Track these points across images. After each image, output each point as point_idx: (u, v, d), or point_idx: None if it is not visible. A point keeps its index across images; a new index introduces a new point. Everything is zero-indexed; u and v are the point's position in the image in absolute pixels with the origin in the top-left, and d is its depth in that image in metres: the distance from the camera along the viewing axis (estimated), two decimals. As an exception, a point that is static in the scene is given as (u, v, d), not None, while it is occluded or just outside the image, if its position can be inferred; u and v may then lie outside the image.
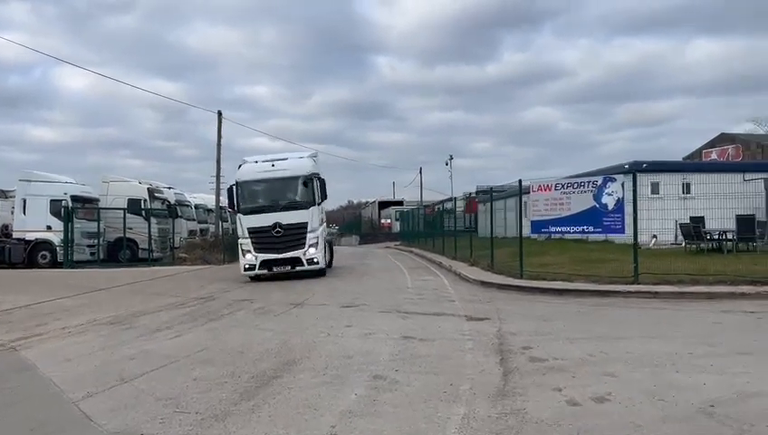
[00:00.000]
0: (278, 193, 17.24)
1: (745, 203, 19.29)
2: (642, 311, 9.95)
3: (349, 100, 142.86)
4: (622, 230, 12.54)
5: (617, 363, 6.35)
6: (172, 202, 29.15)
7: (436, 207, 34.75)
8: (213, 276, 19.76)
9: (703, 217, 17.77)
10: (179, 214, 29.58)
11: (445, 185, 61.38)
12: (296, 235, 16.61)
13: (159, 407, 5.40)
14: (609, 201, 12.51)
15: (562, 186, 13.48)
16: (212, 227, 33.19)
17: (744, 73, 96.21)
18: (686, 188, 22.28)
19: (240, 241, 17.07)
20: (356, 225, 69.12)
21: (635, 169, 16.25)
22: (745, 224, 16.82)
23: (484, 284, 14.15)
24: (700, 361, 6.33)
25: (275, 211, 16.74)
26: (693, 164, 33.68)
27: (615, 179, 12.62)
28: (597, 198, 12.66)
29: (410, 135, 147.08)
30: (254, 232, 16.66)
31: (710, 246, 17.38)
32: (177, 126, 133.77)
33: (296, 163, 17.60)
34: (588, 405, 5.01)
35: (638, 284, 11.92)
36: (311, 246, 16.75)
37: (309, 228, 16.72)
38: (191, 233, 31.00)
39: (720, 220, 18.11)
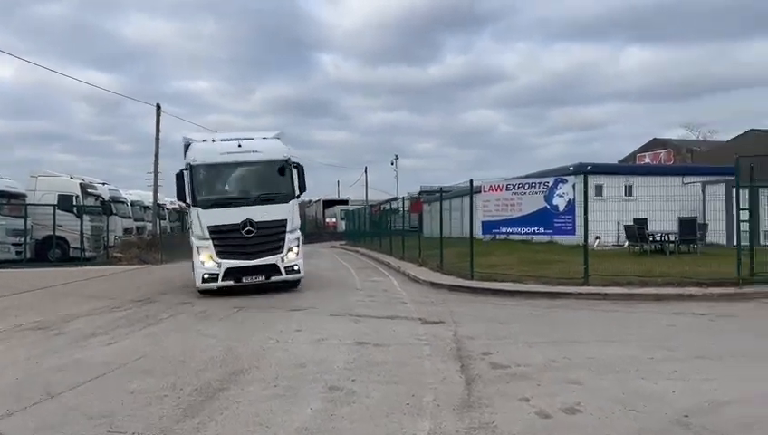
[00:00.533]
0: (249, 181, 13.53)
1: (684, 205, 19.85)
2: (595, 313, 9.92)
3: (292, 97, 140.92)
4: (573, 232, 12.55)
5: (580, 370, 6.17)
6: (106, 198, 27.69)
7: (383, 206, 34.49)
8: (150, 277, 18.81)
9: (646, 219, 18.14)
10: (114, 211, 28.17)
11: (389, 184, 61.50)
12: (272, 235, 13.00)
13: (91, 427, 4.83)
14: (560, 202, 12.49)
15: (513, 186, 13.40)
16: (149, 225, 31.88)
17: (676, 81, 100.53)
18: (629, 190, 22.79)
19: (196, 243, 13.00)
20: (300, 224, 68.17)
21: (580, 170, 16.43)
22: (687, 226, 17.26)
23: (434, 285, 13.93)
24: (662, 366, 6.22)
25: (246, 205, 12.97)
26: (635, 167, 34.65)
27: (566, 181, 12.62)
28: (548, 199, 12.62)
29: (354, 134, 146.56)
30: (216, 232, 12.77)
31: (653, 247, 17.74)
32: (113, 120, 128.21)
33: (269, 144, 13.59)
34: (559, 417, 4.76)
35: (589, 285, 11.95)
36: (290, 249, 13.18)
37: (288, 227, 13.17)
38: (127, 231, 29.62)
39: (661, 222, 18.54)
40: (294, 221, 13.53)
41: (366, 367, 6.54)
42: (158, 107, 30.59)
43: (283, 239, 13.12)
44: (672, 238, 17.52)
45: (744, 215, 11.60)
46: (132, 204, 32.12)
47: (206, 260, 12.81)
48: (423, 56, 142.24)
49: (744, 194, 12.17)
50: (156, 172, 31.37)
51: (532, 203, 12.83)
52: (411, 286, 14.46)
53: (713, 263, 13.76)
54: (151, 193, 32.29)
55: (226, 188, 13.53)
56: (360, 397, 5.44)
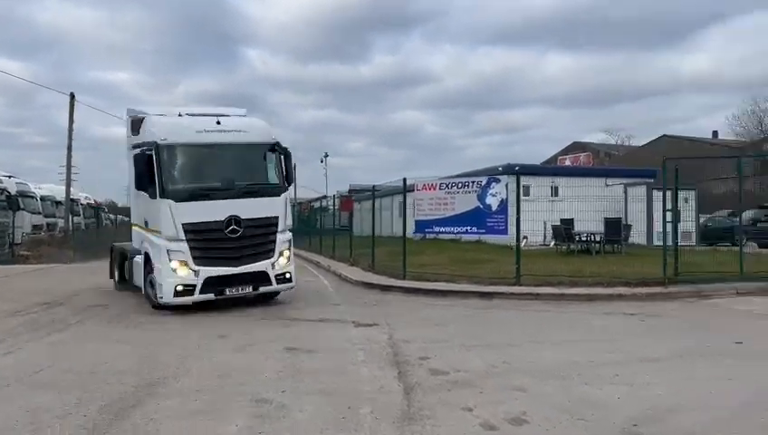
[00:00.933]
0: (231, 168, 10.91)
1: (607, 206, 20.44)
2: (530, 314, 9.83)
3: (217, 91, 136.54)
4: (506, 231, 12.56)
5: (522, 375, 5.94)
6: (12, 193, 25.76)
7: (312, 204, 33.91)
8: (61, 277, 17.49)
9: (572, 220, 18.48)
10: (21, 206, 26.25)
11: (319, 183, 60.54)
12: (262, 236, 10.66)
13: (-25, 455, 4.15)
14: (492, 202, 12.47)
15: (447, 185, 13.27)
16: (61, 222, 29.94)
17: (595, 87, 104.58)
18: (555, 190, 23.23)
19: (162, 245, 10.14)
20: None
21: (509, 171, 16.50)
22: (613, 226, 17.68)
23: (366, 285, 13.56)
24: (603, 370, 6.08)
25: (230, 197, 10.45)
26: (560, 168, 35.52)
27: (499, 180, 12.61)
28: (481, 198, 12.57)
29: (283, 131, 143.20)
30: (194, 231, 10.18)
31: (579, 247, 18.07)
32: (25, 111, 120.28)
33: (252, 123, 11.46)
34: (506, 429, 4.48)
35: (520, 285, 11.90)
36: (281, 253, 10.84)
37: (280, 227, 10.88)
38: (36, 228, 27.67)
39: (586, 222, 18.98)
40: (288, 219, 11.36)
41: (297, 376, 6.08)
42: (72, 96, 28.74)
43: (274, 241, 10.78)
44: (598, 238, 17.90)
45: (670, 216, 11.85)
46: (43, 199, 30.11)
47: (179, 267, 10.07)
48: (353, 54, 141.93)
49: (669, 196, 12.46)
50: (69, 165, 29.52)
51: (465, 202, 12.73)
52: (343, 287, 14.04)
53: (637, 263, 14.08)
54: (64, 187, 30.32)
55: (204, 175, 10.81)
56: (292, 411, 4.98)
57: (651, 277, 11.74)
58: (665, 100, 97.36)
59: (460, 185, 13.04)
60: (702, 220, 24.50)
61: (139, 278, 11.30)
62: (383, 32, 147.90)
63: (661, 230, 18.77)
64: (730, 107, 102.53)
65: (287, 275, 11.01)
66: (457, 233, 13.61)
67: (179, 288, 10.09)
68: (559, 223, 18.63)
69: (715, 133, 56.90)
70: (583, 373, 5.95)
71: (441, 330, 8.56)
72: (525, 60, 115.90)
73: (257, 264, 10.55)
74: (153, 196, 10.33)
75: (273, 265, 10.70)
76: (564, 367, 6.21)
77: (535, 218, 20.05)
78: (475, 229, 12.87)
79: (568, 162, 48.62)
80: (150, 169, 10.26)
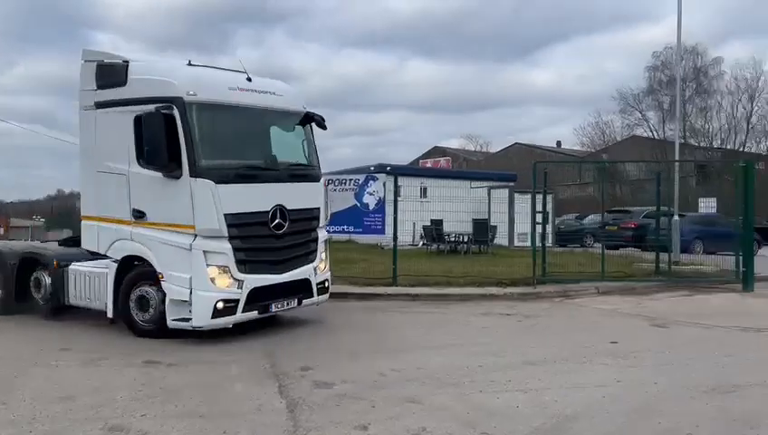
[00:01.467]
0: (268, 141, 8.42)
1: (471, 208, 20.99)
2: (410, 315, 9.57)
3: (62, 76, 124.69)
4: (383, 231, 12.26)
5: (413, 384, 5.56)
6: None
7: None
8: None
9: (442, 220, 18.69)
10: None
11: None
12: (305, 233, 8.32)
13: None
14: (370, 201, 12.14)
15: (324, 182, 12.69)
16: None
17: (453, 95, 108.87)
18: (423, 191, 23.46)
19: (196, 245, 7.20)
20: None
21: (381, 170, 16.30)
22: (480, 227, 18.10)
23: (233, 287, 12.61)
24: (495, 375, 5.86)
25: (275, 180, 8.03)
26: (429, 170, 36.11)
27: (377, 178, 12.30)
28: (358, 196, 12.18)
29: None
30: (239, 225, 7.44)
31: (448, 247, 18.30)
32: None
33: (281, 86, 8.67)
34: (408, 449, 4.04)
35: (397, 286, 11.65)
36: (320, 256, 8.63)
37: (321, 222, 8.69)
38: None
39: (452, 223, 19.31)
40: (328, 212, 9.17)
41: (159, 395, 5.23)
42: None
43: (317, 240, 8.49)
44: (466, 239, 18.23)
45: (539, 217, 12.21)
46: None
47: (219, 276, 7.25)
48: (212, 47, 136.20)
49: (528, 198, 12.91)
50: None
51: (342, 200, 12.30)
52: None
53: (504, 263, 14.45)
54: None
55: (240, 149, 8.11)
56: (155, 440, 4.19)
57: (520, 277, 11.99)
58: (515, 110, 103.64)
59: (337, 182, 12.58)
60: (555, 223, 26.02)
61: (96, 295, 8.10)
62: (245, 26, 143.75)
63: (522, 232, 19.53)
64: (572, 118, 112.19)
65: (326, 284, 8.76)
66: (334, 232, 13.07)
67: (220, 305, 7.20)
68: (429, 223, 18.76)
69: (558, 143, 61.53)
70: (476, 380, 5.68)
71: (321, 336, 8.05)
72: (388, 64, 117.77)
73: (301, 269, 8.14)
74: (174, 175, 7.28)
75: (315, 270, 8.37)
76: (455, 373, 5.92)
77: (406, 218, 20.12)
78: (352, 228, 12.44)
79: (429, 166, 49.98)
80: (172, 135, 7.20)
